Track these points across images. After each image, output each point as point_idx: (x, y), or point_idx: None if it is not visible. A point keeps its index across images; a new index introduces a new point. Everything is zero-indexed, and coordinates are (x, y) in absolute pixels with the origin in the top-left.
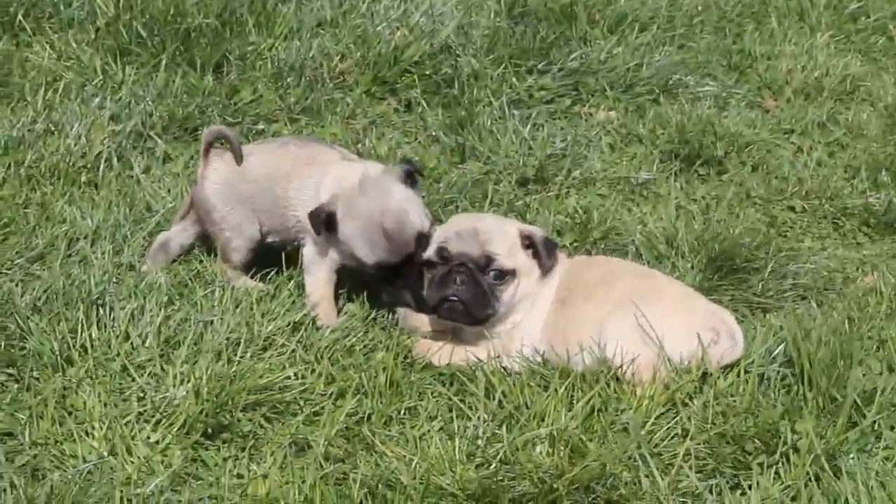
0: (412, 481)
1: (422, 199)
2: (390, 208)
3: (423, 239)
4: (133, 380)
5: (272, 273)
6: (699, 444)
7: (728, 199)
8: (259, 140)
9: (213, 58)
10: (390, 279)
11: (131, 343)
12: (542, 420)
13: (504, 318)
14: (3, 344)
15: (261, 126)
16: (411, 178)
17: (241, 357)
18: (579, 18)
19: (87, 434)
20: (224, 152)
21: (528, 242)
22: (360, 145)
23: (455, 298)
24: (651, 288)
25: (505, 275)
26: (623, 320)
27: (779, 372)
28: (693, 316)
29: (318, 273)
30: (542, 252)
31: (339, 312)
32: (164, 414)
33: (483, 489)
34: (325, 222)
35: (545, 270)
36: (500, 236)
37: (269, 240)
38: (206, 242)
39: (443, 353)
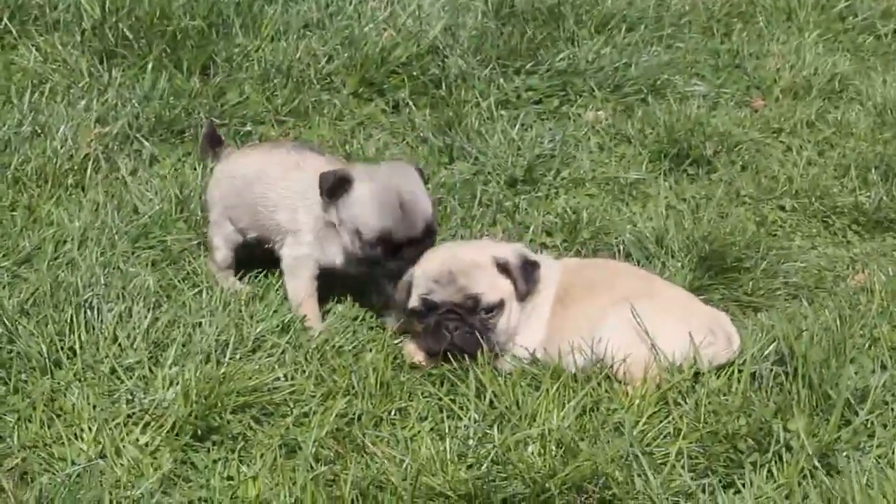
0: (403, 482)
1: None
2: (410, 186)
3: (430, 232)
4: (122, 382)
5: (260, 274)
6: (692, 443)
7: (718, 198)
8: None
9: (200, 60)
10: (377, 274)
11: (119, 345)
12: (534, 420)
13: (511, 340)
14: None
15: (248, 128)
16: (422, 174)
17: (230, 359)
18: (566, 19)
19: (76, 437)
20: (226, 152)
21: (504, 268)
22: (347, 146)
23: (453, 346)
24: (648, 289)
25: (494, 308)
26: (617, 317)
27: (771, 370)
28: (689, 316)
29: (301, 275)
30: (519, 279)
31: (326, 314)
32: (154, 416)
33: (474, 489)
34: (336, 185)
35: (521, 297)
36: (478, 273)
37: (248, 237)
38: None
39: None
